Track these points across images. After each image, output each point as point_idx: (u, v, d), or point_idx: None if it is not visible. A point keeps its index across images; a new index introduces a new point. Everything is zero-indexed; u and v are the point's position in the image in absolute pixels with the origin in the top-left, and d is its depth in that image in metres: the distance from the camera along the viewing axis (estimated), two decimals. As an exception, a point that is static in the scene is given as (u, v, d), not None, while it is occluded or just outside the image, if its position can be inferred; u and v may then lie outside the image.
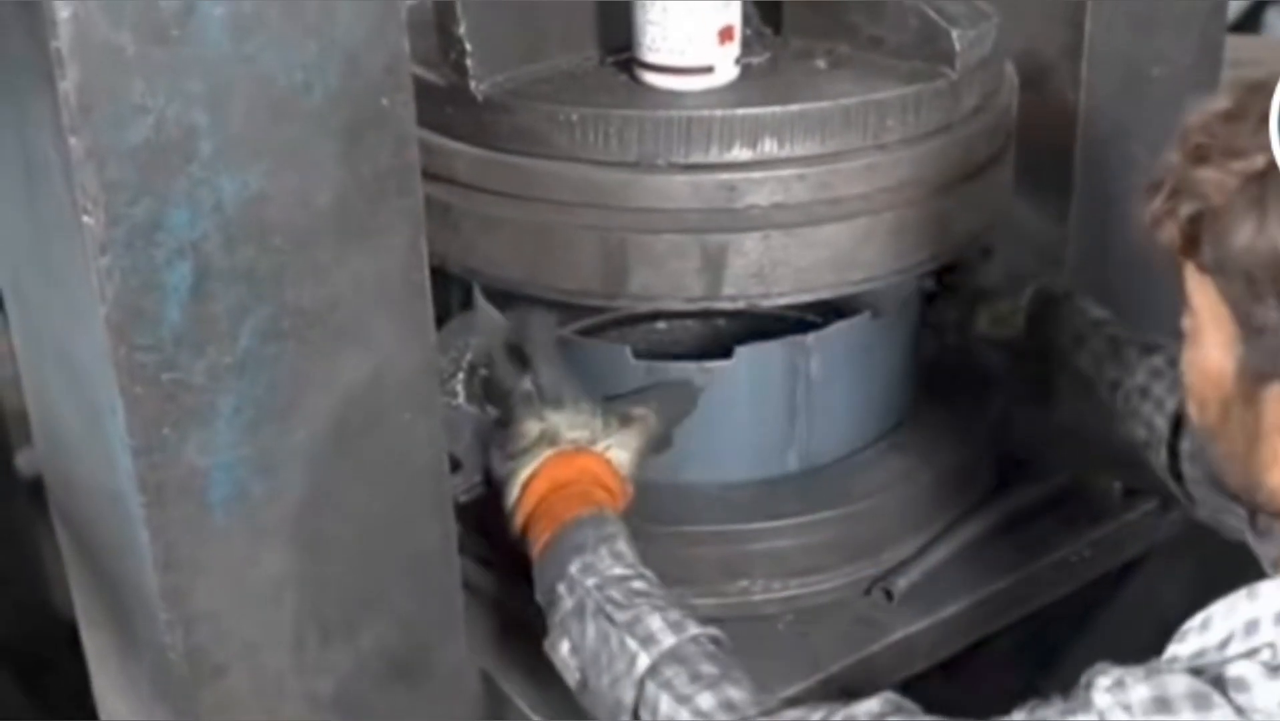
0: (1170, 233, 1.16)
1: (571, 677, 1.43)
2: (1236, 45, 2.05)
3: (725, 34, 1.53)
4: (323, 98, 1.18)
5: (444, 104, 1.53)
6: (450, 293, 1.99)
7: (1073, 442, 1.88)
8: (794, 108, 1.50)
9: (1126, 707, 1.10)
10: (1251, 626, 1.11)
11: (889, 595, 1.69)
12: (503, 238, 1.56)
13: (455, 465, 1.59)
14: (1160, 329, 1.88)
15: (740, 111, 1.49)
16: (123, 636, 1.44)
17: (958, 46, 1.55)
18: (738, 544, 1.66)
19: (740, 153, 1.49)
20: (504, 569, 1.71)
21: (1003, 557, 1.77)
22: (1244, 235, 1.10)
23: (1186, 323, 1.21)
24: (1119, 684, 1.11)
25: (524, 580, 1.69)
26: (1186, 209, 1.14)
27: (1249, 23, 3.84)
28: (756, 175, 1.49)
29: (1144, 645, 1.35)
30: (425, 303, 1.32)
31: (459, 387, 1.84)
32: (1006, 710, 1.44)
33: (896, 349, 1.78)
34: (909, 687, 1.71)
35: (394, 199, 1.26)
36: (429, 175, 1.38)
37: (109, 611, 1.46)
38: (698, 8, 1.51)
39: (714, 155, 1.48)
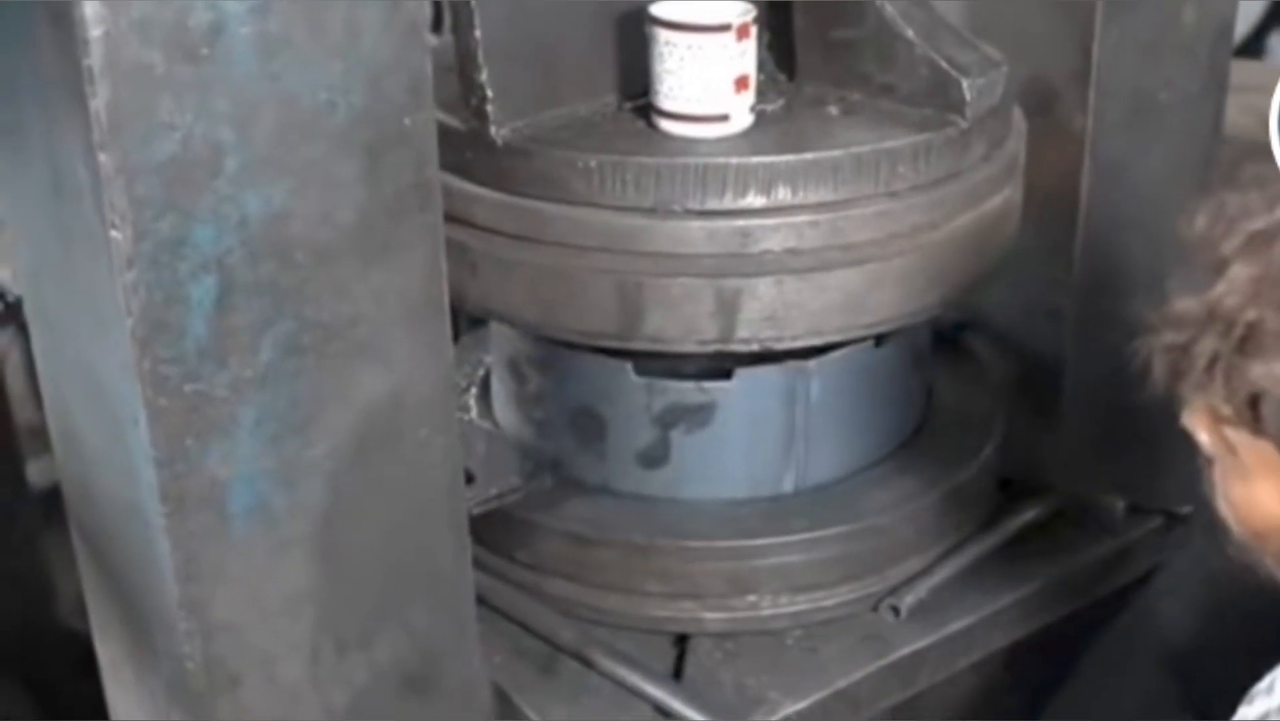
0: (1216, 407, 1.15)
1: None
2: (1240, 70, 2.07)
3: (740, 83, 1.55)
4: (346, 117, 1.20)
5: (464, 148, 1.55)
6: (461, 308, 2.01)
7: (1077, 461, 1.90)
8: (807, 156, 1.52)
9: None
10: None
11: (896, 611, 1.71)
12: (521, 280, 1.59)
13: (469, 478, 1.61)
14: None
15: (755, 159, 1.51)
16: (139, 646, 1.45)
17: (968, 96, 1.58)
18: (746, 559, 1.68)
19: (754, 199, 1.51)
20: (518, 583, 1.73)
21: (1007, 575, 1.79)
22: None
23: (1218, 452, 1.20)
24: None
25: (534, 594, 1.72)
26: (1242, 392, 1.13)
27: (1252, 48, 3.86)
28: (770, 221, 1.52)
29: (1147, 663, 1.37)
30: (444, 319, 1.34)
31: (472, 402, 1.86)
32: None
33: (899, 373, 1.80)
34: (915, 703, 1.74)
35: (415, 216, 1.27)
36: (449, 217, 1.39)
37: (125, 621, 1.47)
38: (714, 58, 1.53)
39: (729, 202, 1.51)
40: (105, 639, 1.57)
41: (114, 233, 1.13)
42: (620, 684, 1.61)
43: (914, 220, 1.57)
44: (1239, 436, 1.16)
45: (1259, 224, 1.14)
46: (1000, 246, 1.71)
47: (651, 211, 1.51)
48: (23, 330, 1.47)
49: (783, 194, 1.51)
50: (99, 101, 1.08)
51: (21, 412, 2.57)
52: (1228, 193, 1.17)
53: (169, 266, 1.16)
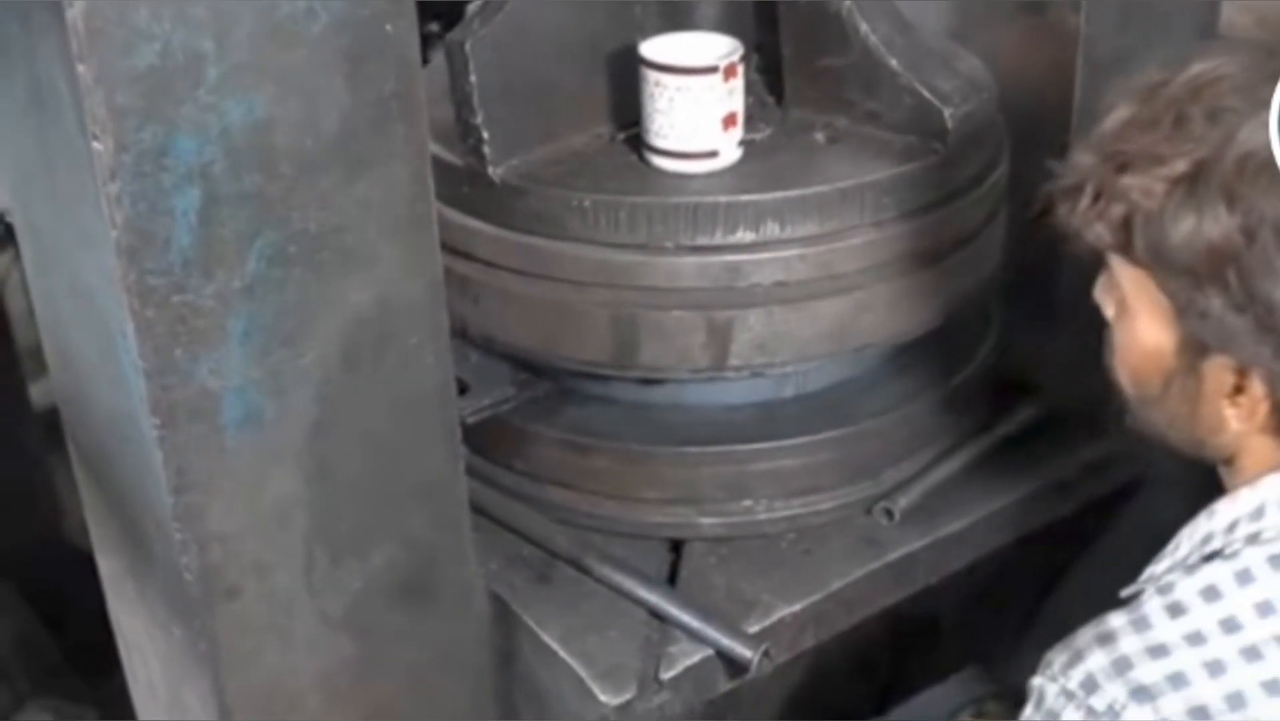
0: (1099, 233, 1.25)
1: None
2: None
3: (729, 120, 1.58)
4: (326, 24, 1.19)
5: (462, 184, 1.58)
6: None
7: (1070, 364, 1.90)
8: (794, 193, 1.55)
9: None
10: (1257, 512, 1.24)
11: (890, 514, 1.72)
12: (519, 312, 1.62)
13: (463, 388, 1.62)
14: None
15: (744, 197, 1.54)
16: (137, 559, 1.46)
17: (950, 124, 1.60)
18: (741, 464, 1.69)
19: (744, 235, 1.54)
20: (514, 492, 1.74)
21: (1002, 478, 1.79)
22: (1181, 234, 1.19)
23: (1112, 305, 1.31)
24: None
25: (530, 502, 1.73)
26: (1116, 211, 1.23)
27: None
28: (759, 256, 1.55)
29: (1141, 564, 1.38)
30: (430, 228, 1.34)
31: (467, 313, 1.87)
32: (1006, 631, 1.47)
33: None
34: (909, 605, 1.75)
35: (398, 124, 1.27)
36: (449, 249, 1.45)
37: (124, 534, 1.48)
38: (702, 98, 1.55)
39: (719, 238, 1.54)
40: (106, 553, 1.59)
41: (95, 144, 1.13)
42: (615, 589, 1.63)
43: (899, 248, 1.60)
44: (1121, 270, 1.27)
45: (1151, 79, 1.25)
46: (987, 266, 1.74)
47: (644, 247, 1.55)
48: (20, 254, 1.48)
49: (771, 229, 1.55)
50: (76, 11, 1.08)
51: (23, 335, 2.59)
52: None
53: (152, 177, 1.16)
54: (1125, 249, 1.25)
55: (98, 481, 1.52)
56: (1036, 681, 1.24)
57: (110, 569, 1.60)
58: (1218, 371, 1.24)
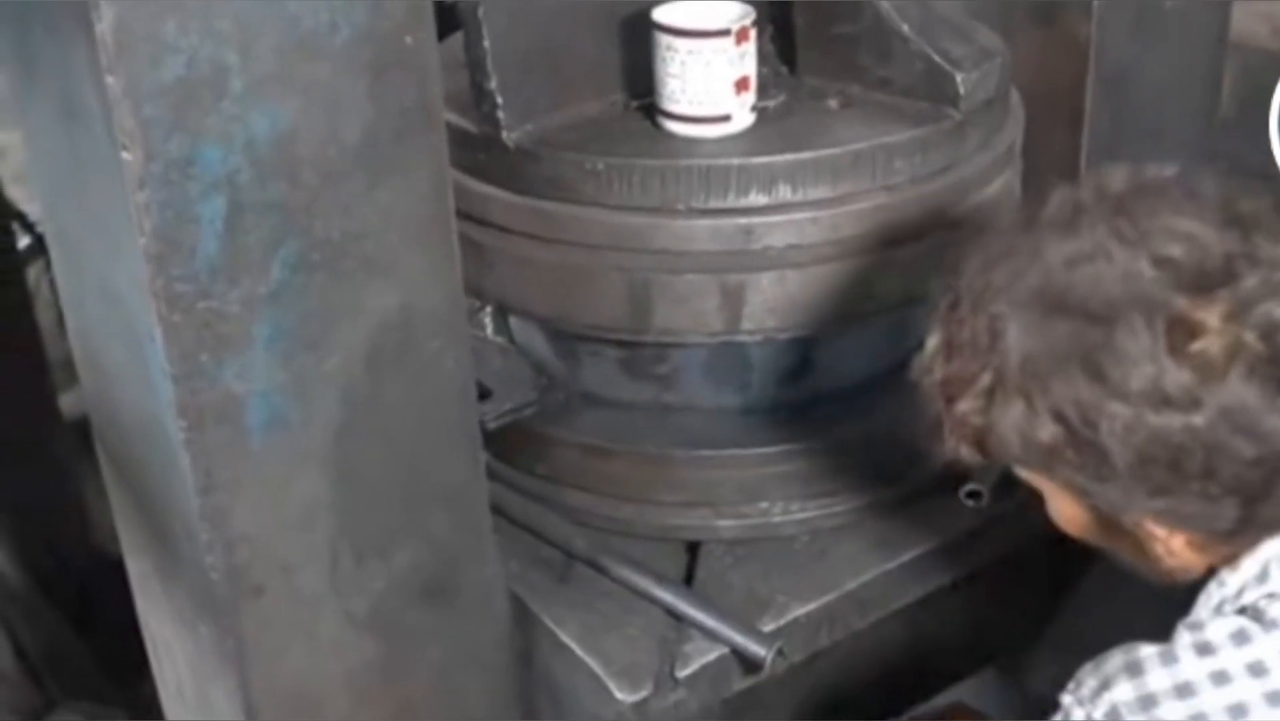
0: (968, 455, 1.32)
1: None
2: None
3: (741, 84, 1.59)
4: (349, 36, 1.22)
5: (478, 150, 1.60)
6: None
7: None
8: (806, 155, 1.56)
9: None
10: (1262, 575, 1.24)
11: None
12: (534, 277, 1.64)
13: (484, 393, 1.64)
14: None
15: (756, 160, 1.55)
16: (165, 559, 1.49)
17: (962, 90, 1.61)
18: (757, 467, 1.71)
19: (756, 198, 1.55)
20: (535, 495, 1.77)
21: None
22: (1014, 438, 1.25)
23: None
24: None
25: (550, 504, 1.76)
26: (968, 437, 1.30)
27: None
28: (772, 219, 1.56)
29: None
30: (450, 235, 1.36)
31: (487, 320, 1.90)
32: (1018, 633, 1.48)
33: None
34: (924, 605, 1.77)
35: (419, 134, 1.29)
36: (464, 216, 1.46)
37: (152, 535, 1.51)
38: (714, 62, 1.56)
39: (732, 200, 1.55)
40: (134, 554, 1.62)
41: (124, 154, 1.16)
42: (632, 589, 1.65)
43: (911, 212, 1.61)
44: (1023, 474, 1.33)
45: (949, 297, 1.31)
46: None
47: (658, 210, 1.56)
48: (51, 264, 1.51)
49: (783, 191, 1.56)
50: (104, 25, 1.11)
51: (53, 347, 2.63)
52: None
53: (179, 186, 1.19)
54: (994, 458, 1.31)
55: (126, 484, 1.55)
56: (1066, 699, 1.25)
57: (138, 569, 1.62)
58: (1140, 524, 1.27)
